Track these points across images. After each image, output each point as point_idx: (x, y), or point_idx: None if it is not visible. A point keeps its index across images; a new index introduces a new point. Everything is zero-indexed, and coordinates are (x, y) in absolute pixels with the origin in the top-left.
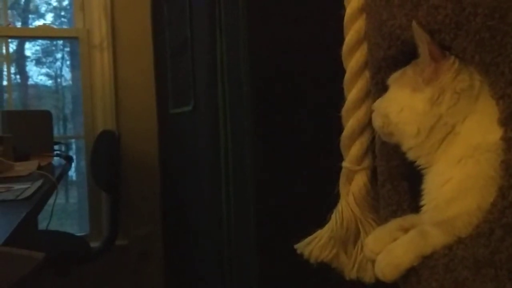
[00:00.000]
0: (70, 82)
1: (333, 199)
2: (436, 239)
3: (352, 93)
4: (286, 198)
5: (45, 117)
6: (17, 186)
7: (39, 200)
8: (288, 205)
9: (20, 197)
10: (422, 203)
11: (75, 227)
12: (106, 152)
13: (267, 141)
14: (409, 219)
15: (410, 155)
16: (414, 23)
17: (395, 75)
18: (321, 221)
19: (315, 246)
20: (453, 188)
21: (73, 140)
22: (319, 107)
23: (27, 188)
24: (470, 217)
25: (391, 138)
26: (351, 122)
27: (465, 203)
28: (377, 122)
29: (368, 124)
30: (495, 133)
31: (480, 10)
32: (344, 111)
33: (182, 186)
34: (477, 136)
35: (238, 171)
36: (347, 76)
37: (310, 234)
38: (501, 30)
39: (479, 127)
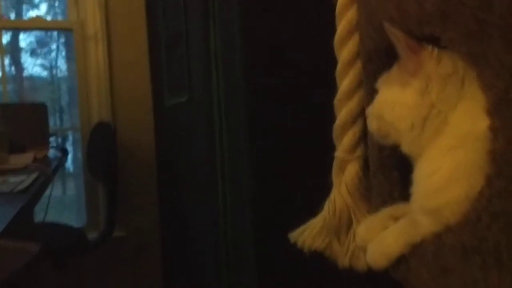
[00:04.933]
0: (66, 73)
1: (327, 188)
2: (425, 227)
3: (344, 84)
4: (282, 187)
5: (41, 109)
6: (13, 179)
7: (35, 192)
8: (284, 194)
9: (15, 190)
10: (411, 192)
11: (73, 219)
12: (102, 144)
13: (262, 131)
14: (399, 208)
15: (406, 150)
16: (386, 24)
17: (382, 78)
18: (317, 211)
19: (308, 235)
20: (442, 177)
21: (69, 132)
22: (314, 97)
23: (22, 181)
24: (458, 206)
25: (388, 139)
26: (343, 112)
27: (453, 192)
28: (373, 125)
29: (360, 114)
30: (483, 122)
31: (468, 1)
32: (336, 101)
33: (179, 177)
34: (466, 125)
35: (233, 162)
36: (339, 66)
37: (305, 223)
38: (488, 21)
39: (468, 116)
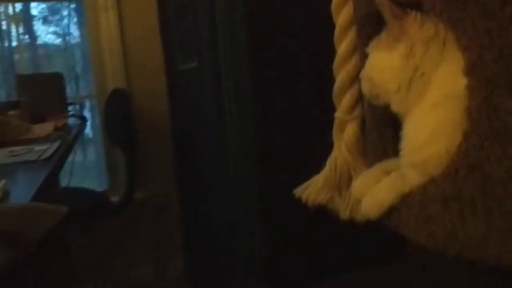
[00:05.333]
0: (79, 40)
1: (328, 147)
2: (413, 179)
3: (342, 48)
4: (286, 145)
5: (57, 79)
6: (37, 147)
7: (59, 159)
8: (288, 151)
9: (41, 158)
10: (400, 147)
11: (95, 183)
12: (118, 111)
13: (267, 95)
14: (392, 163)
15: (395, 109)
16: None
17: (372, 43)
18: (320, 167)
19: (312, 190)
20: (425, 133)
21: (86, 99)
22: (317, 61)
23: (46, 149)
24: (440, 159)
25: (379, 100)
26: (341, 75)
27: (435, 146)
28: (365, 87)
29: (357, 76)
30: (461, 82)
31: None
32: (335, 64)
33: (192, 140)
34: (446, 85)
35: (241, 123)
36: (336, 31)
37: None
38: None
39: (448, 76)
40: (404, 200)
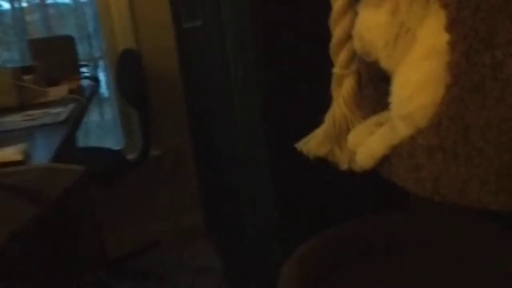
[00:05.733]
0: None
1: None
2: (402, 130)
3: (337, 3)
4: (290, 104)
5: (69, 42)
6: (53, 110)
7: (74, 121)
8: (292, 108)
9: (57, 120)
10: (389, 100)
11: (112, 142)
12: (130, 70)
13: (270, 53)
14: (384, 115)
15: (384, 65)
16: None
17: (362, 1)
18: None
19: (313, 144)
20: (412, 87)
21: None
22: (320, 16)
23: (62, 112)
24: (426, 111)
25: (370, 56)
26: (337, 31)
27: (421, 99)
28: (356, 45)
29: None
30: (444, 37)
31: None
32: (331, 21)
33: (202, 95)
34: (430, 40)
35: (245, 79)
36: None
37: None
38: None
39: (432, 32)
40: (394, 150)
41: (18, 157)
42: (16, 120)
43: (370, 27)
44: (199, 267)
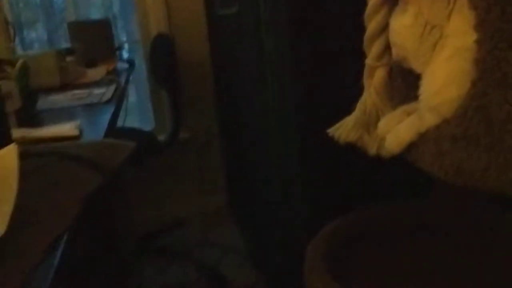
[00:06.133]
0: None
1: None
2: (429, 120)
3: (373, 0)
4: (321, 89)
5: (105, 25)
6: (96, 91)
7: (117, 101)
8: (323, 93)
9: (102, 100)
10: (419, 93)
11: (143, 123)
12: (162, 54)
13: (305, 39)
14: (413, 105)
15: (414, 66)
16: None
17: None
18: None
19: (343, 129)
20: (441, 81)
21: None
22: (356, 4)
23: (105, 92)
24: (452, 104)
25: (406, 62)
26: (372, 25)
27: (449, 93)
28: (393, 52)
29: (386, 26)
30: (472, 37)
31: None
32: (366, 15)
33: (232, 81)
34: (458, 40)
35: (280, 66)
36: None
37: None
38: None
39: (461, 32)
40: (421, 138)
41: (75, 132)
42: (64, 99)
43: (399, 32)
44: (223, 246)
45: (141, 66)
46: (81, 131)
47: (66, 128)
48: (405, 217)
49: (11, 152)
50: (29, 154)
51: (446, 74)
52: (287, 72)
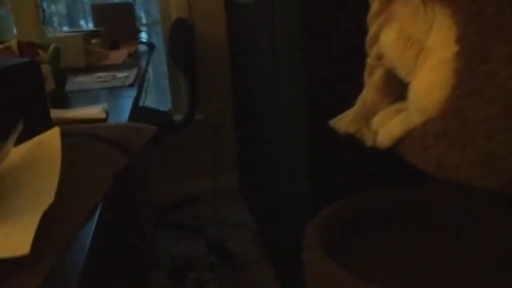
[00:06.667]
0: None
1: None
2: (416, 119)
3: (375, 4)
4: (332, 85)
5: (128, 8)
6: (119, 74)
7: (139, 85)
8: (334, 88)
9: (125, 84)
10: (408, 95)
11: (159, 102)
12: (181, 38)
13: (314, 35)
14: (403, 104)
15: (401, 74)
16: None
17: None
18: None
19: (344, 121)
20: (427, 86)
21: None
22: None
23: (127, 76)
24: (436, 105)
25: (396, 71)
26: (373, 28)
27: (433, 96)
28: (386, 63)
29: None
30: (453, 49)
31: None
32: (368, 17)
33: (247, 66)
34: (441, 52)
35: (291, 55)
36: None
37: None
38: None
39: (443, 45)
40: (409, 134)
41: (102, 115)
42: (89, 81)
43: (386, 44)
44: (233, 223)
45: (159, 47)
46: (107, 114)
47: (95, 111)
48: (399, 204)
49: (55, 133)
50: (63, 134)
51: (430, 80)
52: (297, 61)
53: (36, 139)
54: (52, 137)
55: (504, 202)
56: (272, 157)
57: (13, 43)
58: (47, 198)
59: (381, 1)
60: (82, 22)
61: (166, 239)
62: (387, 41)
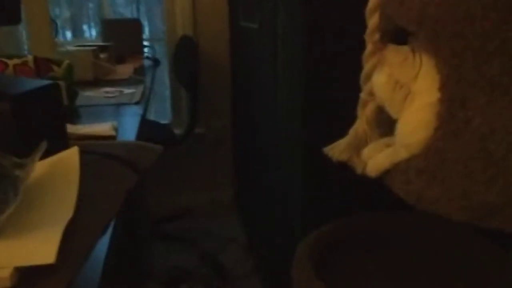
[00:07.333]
0: None
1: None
2: (402, 154)
3: (369, 45)
4: (327, 105)
5: (137, 24)
6: (126, 91)
7: (145, 103)
8: (330, 105)
9: (132, 101)
10: (396, 133)
11: (157, 114)
12: (185, 54)
13: (313, 60)
14: (392, 139)
15: (389, 112)
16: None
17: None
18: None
19: (337, 150)
20: (412, 126)
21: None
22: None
23: (134, 93)
24: (419, 144)
25: (385, 108)
26: (367, 65)
27: (417, 135)
28: (376, 100)
29: None
30: (436, 95)
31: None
32: (364, 56)
33: (248, 86)
34: (425, 97)
35: (290, 79)
36: (367, 31)
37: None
38: (441, 37)
39: (427, 91)
40: (395, 167)
41: (112, 132)
42: (97, 96)
43: (377, 86)
44: (226, 237)
45: (162, 63)
46: (116, 131)
47: (105, 128)
48: (386, 227)
49: (75, 152)
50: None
51: (415, 121)
52: (296, 85)
53: (56, 156)
54: (72, 155)
55: (482, 233)
56: (267, 176)
57: (30, 59)
58: (67, 212)
59: (375, 44)
60: (85, 27)
61: (160, 251)
62: (378, 83)
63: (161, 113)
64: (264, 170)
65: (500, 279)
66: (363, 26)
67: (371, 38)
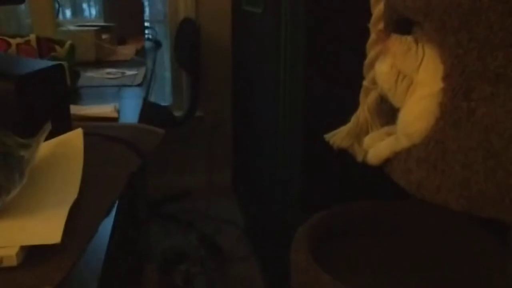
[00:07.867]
0: None
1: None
2: (403, 143)
3: (373, 33)
4: (327, 89)
5: (138, 4)
6: (128, 72)
7: (147, 85)
8: (328, 95)
9: (134, 83)
10: (397, 122)
11: (157, 96)
12: (187, 37)
13: (318, 54)
14: (393, 128)
15: (392, 102)
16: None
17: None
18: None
19: (338, 137)
20: (413, 116)
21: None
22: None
23: (136, 74)
24: (420, 134)
25: (388, 97)
26: (370, 54)
27: (418, 125)
28: (378, 90)
29: None
30: (439, 85)
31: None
32: (367, 45)
33: (249, 70)
34: (428, 87)
35: (293, 65)
36: (372, 19)
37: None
38: (447, 27)
39: (429, 81)
40: (395, 156)
41: (114, 114)
42: (99, 77)
43: (379, 76)
44: (223, 219)
45: (163, 45)
46: (118, 113)
47: (108, 110)
48: (384, 215)
49: (79, 134)
50: None
51: (417, 111)
52: (299, 72)
53: (61, 138)
54: (76, 137)
55: (479, 222)
56: (266, 159)
57: (32, 38)
58: (72, 193)
59: (378, 33)
60: (85, 6)
61: (157, 232)
62: (381, 72)
63: (162, 95)
64: (263, 153)
65: (496, 269)
66: (367, 9)
67: (375, 27)
